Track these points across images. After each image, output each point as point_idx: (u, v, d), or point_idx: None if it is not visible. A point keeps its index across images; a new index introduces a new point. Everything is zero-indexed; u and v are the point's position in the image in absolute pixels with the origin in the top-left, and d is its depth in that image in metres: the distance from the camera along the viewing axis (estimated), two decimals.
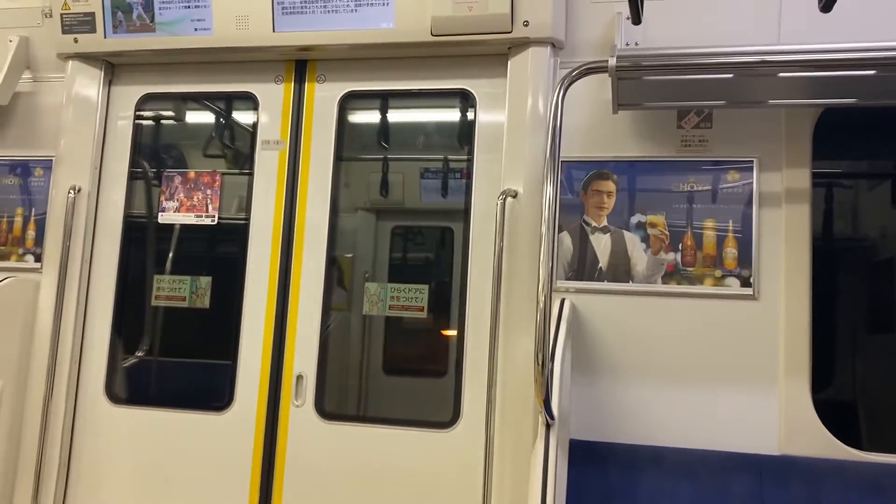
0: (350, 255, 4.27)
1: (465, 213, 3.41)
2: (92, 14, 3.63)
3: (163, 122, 4.03)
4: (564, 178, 3.25)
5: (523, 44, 3.25)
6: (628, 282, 3.15)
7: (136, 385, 3.80)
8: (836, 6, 2.36)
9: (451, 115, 3.96)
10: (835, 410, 3.60)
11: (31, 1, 3.87)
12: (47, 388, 3.50)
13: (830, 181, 3.94)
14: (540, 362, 2.47)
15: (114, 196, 3.75)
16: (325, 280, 3.48)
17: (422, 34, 3.29)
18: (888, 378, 4.19)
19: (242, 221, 3.62)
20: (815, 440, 2.91)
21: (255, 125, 3.67)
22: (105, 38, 3.65)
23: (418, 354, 4.81)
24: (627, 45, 3.13)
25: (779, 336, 2.99)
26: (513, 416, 3.06)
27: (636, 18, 2.35)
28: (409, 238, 5.19)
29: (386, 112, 4.06)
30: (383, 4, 3.32)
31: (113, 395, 3.62)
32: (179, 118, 4.06)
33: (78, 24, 3.66)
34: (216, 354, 3.68)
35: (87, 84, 3.76)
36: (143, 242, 3.89)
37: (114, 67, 3.83)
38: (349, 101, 3.64)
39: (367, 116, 4.10)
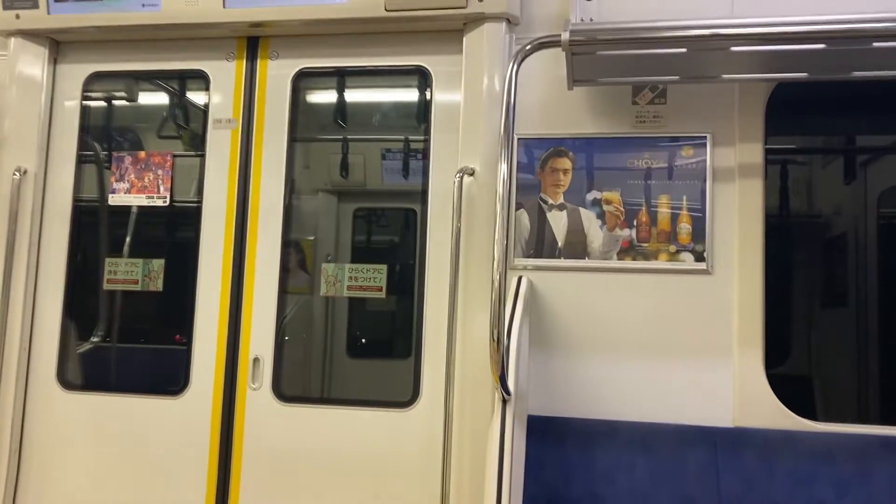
0: (311, 238, 4.23)
1: (423, 194, 3.39)
2: None
3: (112, 101, 3.93)
4: (524, 156, 3.25)
5: (478, 19, 3.22)
6: (585, 258, 3.16)
7: (89, 370, 3.72)
8: None
9: (409, 94, 3.92)
10: (789, 383, 3.67)
11: None
12: None
13: (784, 157, 3.99)
14: (495, 339, 2.47)
15: (62, 178, 3.65)
16: (281, 262, 3.43)
17: (375, 9, 3.24)
18: (840, 350, 4.28)
19: (196, 203, 3.55)
20: (769, 412, 2.95)
21: (206, 104, 3.59)
22: (48, 13, 3.53)
23: (380, 336, 4.80)
24: (582, 20, 3.11)
25: (732, 310, 3.02)
26: (471, 393, 3.06)
27: None
28: (371, 220, 5.17)
29: (342, 91, 4.01)
30: None
31: (65, 381, 3.55)
32: (129, 97, 3.96)
33: None
34: (171, 338, 3.62)
35: (31, 62, 3.64)
36: (94, 225, 3.81)
37: (59, 45, 3.71)
38: (304, 80, 3.58)
39: (323, 96, 4.04)
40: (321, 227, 4.71)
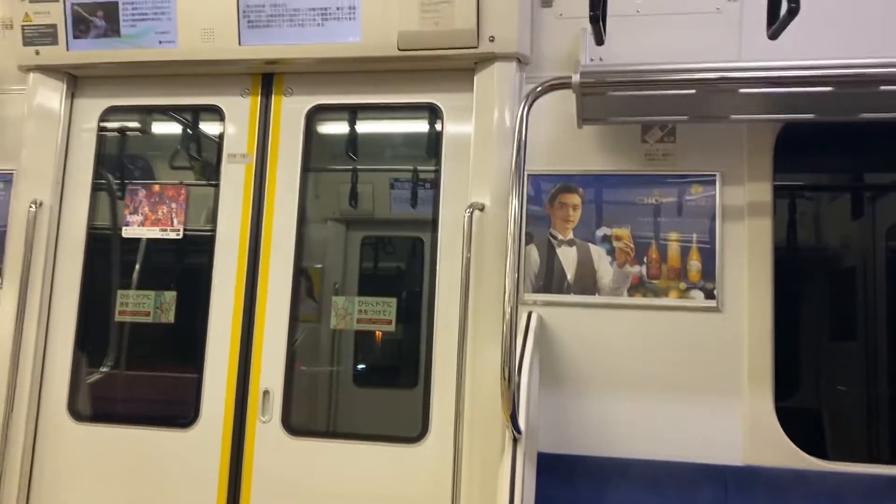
0: (319, 266, 4.26)
1: (433, 223, 3.41)
2: (54, 26, 3.59)
3: (127, 134, 3.98)
4: (533, 191, 3.28)
5: (489, 59, 3.27)
6: (595, 294, 3.17)
7: (99, 402, 3.73)
8: (797, 19, 2.39)
9: (419, 126, 3.97)
10: (798, 419, 3.65)
11: None
12: (7, 406, 3.43)
13: (793, 193, 4.01)
14: (506, 376, 2.48)
15: (77, 210, 3.69)
16: (292, 294, 3.46)
17: (389, 48, 3.30)
18: (850, 385, 4.26)
19: (209, 233, 3.59)
20: (779, 450, 2.95)
21: (221, 138, 3.64)
22: (67, 50, 3.60)
23: (389, 365, 4.80)
24: (592, 60, 3.16)
25: (742, 348, 3.03)
26: (481, 429, 3.06)
27: (598, 39, 2.38)
28: (379, 248, 5.19)
29: (354, 124, 4.06)
30: (350, 19, 3.32)
31: (76, 413, 3.56)
32: (144, 130, 4.02)
33: (39, 35, 3.61)
34: (182, 370, 3.64)
35: (49, 96, 3.71)
36: (107, 256, 3.84)
37: (76, 79, 3.77)
38: (317, 114, 3.63)
39: (335, 127, 4.09)
40: (329, 255, 4.74)
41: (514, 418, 2.53)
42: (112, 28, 3.55)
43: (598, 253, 3.19)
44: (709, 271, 3.09)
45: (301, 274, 3.60)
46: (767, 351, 3.01)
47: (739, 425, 3.01)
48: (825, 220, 4.23)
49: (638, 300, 3.12)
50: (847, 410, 4.28)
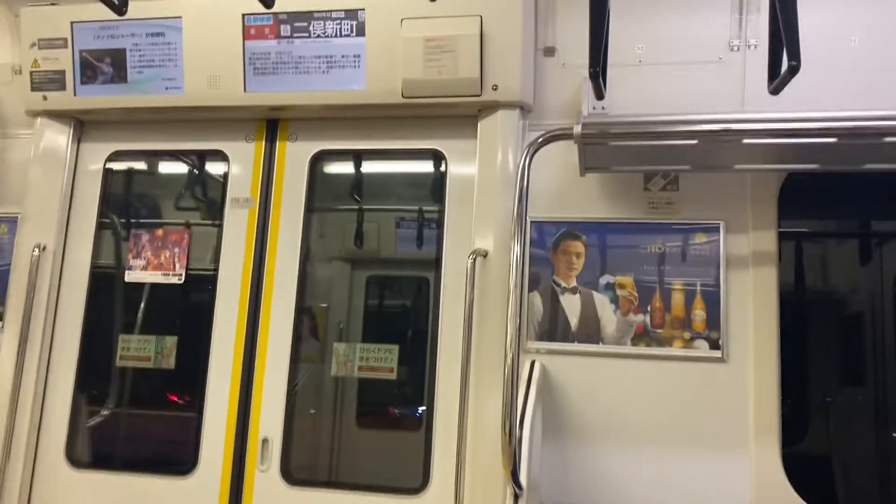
0: (324, 305, 4.24)
1: (436, 262, 3.41)
2: (62, 72, 3.63)
3: (132, 177, 4.00)
4: (536, 235, 3.27)
5: (492, 107, 3.29)
6: (598, 343, 3.14)
7: (97, 448, 3.69)
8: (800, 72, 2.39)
9: (423, 167, 3.97)
10: (806, 469, 3.59)
11: (1, 57, 3.86)
12: (4, 451, 3.40)
13: (798, 239, 3.99)
14: (507, 431, 2.44)
15: (80, 253, 3.70)
16: (293, 340, 3.44)
17: (393, 96, 3.32)
18: (859, 434, 4.19)
19: (211, 273, 3.57)
20: (785, 502, 2.89)
21: (224, 182, 3.65)
22: (75, 95, 3.64)
23: (390, 410, 4.74)
24: (594, 108, 3.17)
25: (748, 399, 2.99)
26: (482, 481, 3.00)
27: (599, 94, 2.38)
28: (384, 287, 5.17)
29: (358, 166, 4.07)
30: (354, 66, 3.35)
31: (74, 459, 3.52)
32: (149, 173, 4.04)
33: (48, 81, 3.65)
34: (181, 416, 3.61)
35: (56, 140, 3.74)
36: (109, 299, 3.83)
37: (83, 124, 3.81)
38: (321, 158, 3.64)
39: (339, 168, 4.10)
40: (334, 294, 4.72)
41: (515, 475, 2.49)
42: (119, 74, 3.59)
43: (601, 301, 3.17)
44: (713, 320, 3.06)
45: (305, 313, 3.59)
46: (774, 402, 2.97)
47: (746, 478, 2.95)
48: (832, 265, 4.20)
49: (642, 350, 3.09)
50: (856, 459, 4.20)
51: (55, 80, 3.64)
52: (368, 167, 4.14)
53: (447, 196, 3.45)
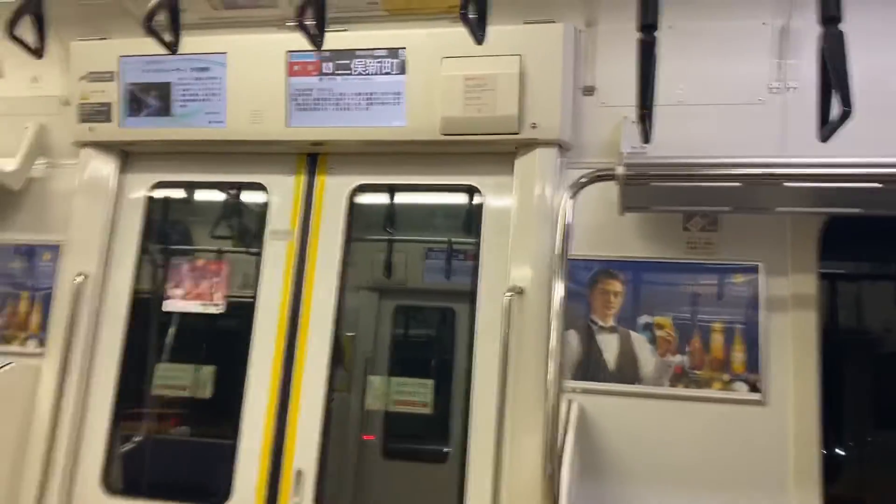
0: (352, 335, 4.25)
1: (472, 300, 3.40)
2: (109, 104, 3.72)
3: (174, 208, 4.07)
4: (571, 272, 3.26)
5: (530, 144, 3.31)
6: (636, 383, 3.12)
7: (133, 476, 3.73)
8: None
9: (458, 199, 3.99)
10: None
11: (51, 89, 3.97)
12: (42, 478, 3.44)
13: (838, 281, 3.96)
14: (549, 475, 2.43)
15: (121, 282, 3.75)
16: (329, 371, 3.45)
17: (431, 133, 3.36)
18: None
19: (249, 300, 3.60)
20: None
21: (264, 214, 3.70)
22: (120, 127, 3.72)
23: (420, 438, 4.73)
24: (633, 148, 3.17)
25: (788, 443, 2.95)
26: None
27: (645, 137, 2.39)
28: (411, 317, 5.19)
29: (393, 199, 4.12)
30: (395, 103, 3.40)
31: (109, 486, 3.55)
32: (191, 204, 4.10)
33: (95, 113, 3.74)
34: (216, 445, 3.63)
35: (100, 171, 3.82)
36: (148, 328, 3.88)
37: (127, 155, 3.89)
38: (359, 191, 3.69)
39: (374, 199, 4.14)
40: (361, 323, 4.75)
41: None
42: (164, 107, 3.67)
43: (639, 341, 3.15)
44: (753, 362, 3.03)
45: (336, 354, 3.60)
46: (814, 447, 2.92)
47: None
48: (870, 304, 4.16)
49: (680, 391, 3.07)
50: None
51: (102, 112, 3.73)
52: (403, 198, 4.18)
53: (483, 230, 3.46)
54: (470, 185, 3.56)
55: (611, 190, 3.05)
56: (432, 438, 4.42)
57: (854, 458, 4.23)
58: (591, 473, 3.05)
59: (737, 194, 2.89)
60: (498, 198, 3.45)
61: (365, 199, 3.98)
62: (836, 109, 2.06)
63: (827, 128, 2.08)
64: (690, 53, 3.24)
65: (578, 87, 3.36)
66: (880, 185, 2.58)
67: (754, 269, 3.10)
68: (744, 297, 3.09)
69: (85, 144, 3.82)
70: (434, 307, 5.10)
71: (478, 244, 3.47)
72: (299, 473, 3.35)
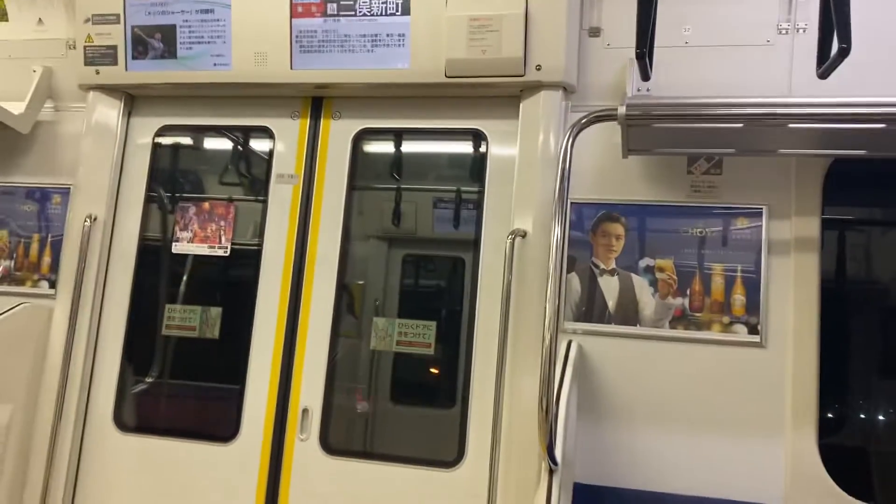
0: (361, 283, 4.29)
1: (475, 244, 3.44)
2: (114, 47, 3.71)
3: (180, 151, 4.09)
4: (576, 217, 3.27)
5: (535, 87, 3.29)
6: (636, 325, 3.15)
7: (143, 413, 3.82)
8: (848, 58, 2.36)
9: (464, 147, 3.99)
10: (843, 459, 3.56)
11: (56, 32, 3.97)
12: (56, 415, 3.54)
13: (842, 226, 3.93)
14: (544, 408, 2.47)
15: (129, 224, 3.80)
16: (335, 313, 3.51)
17: (436, 75, 3.34)
18: None
19: (255, 247, 3.66)
20: (821, 492, 2.88)
21: (270, 157, 3.72)
22: (126, 70, 3.73)
23: (427, 384, 4.81)
24: (639, 90, 3.16)
25: (786, 385, 2.98)
26: (518, 457, 3.05)
27: (644, 75, 2.38)
28: (420, 266, 5.21)
29: (400, 145, 4.11)
30: (399, 45, 3.38)
31: (121, 423, 3.65)
32: (196, 148, 4.12)
33: (100, 56, 3.74)
34: (224, 384, 3.71)
35: (107, 114, 3.83)
36: (156, 270, 3.94)
37: (133, 98, 3.90)
38: (363, 136, 3.69)
39: (380, 147, 4.14)
40: (371, 272, 4.78)
41: (550, 450, 2.52)
42: (169, 50, 3.66)
43: (640, 283, 3.17)
44: (753, 305, 3.05)
45: (343, 290, 3.65)
46: (812, 389, 2.95)
47: (781, 464, 2.95)
48: (875, 254, 4.13)
49: (680, 333, 3.09)
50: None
51: (107, 55, 3.73)
52: (410, 146, 4.17)
53: (487, 176, 3.47)
54: (475, 130, 3.54)
55: (615, 133, 3.04)
56: (440, 383, 4.49)
57: (857, 409, 4.26)
58: (591, 413, 3.11)
59: (740, 136, 2.87)
60: (503, 142, 3.45)
61: (372, 147, 3.99)
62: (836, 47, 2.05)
63: (827, 64, 2.06)
64: None
65: (584, 28, 3.33)
66: (883, 125, 2.55)
67: (758, 213, 3.10)
68: (746, 241, 3.10)
69: (91, 88, 3.83)
70: (443, 256, 5.12)
71: (482, 190, 3.47)
72: (305, 411, 3.43)
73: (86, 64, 3.76)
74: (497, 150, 3.47)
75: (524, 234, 3.22)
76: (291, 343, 3.51)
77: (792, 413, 2.96)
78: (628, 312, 3.16)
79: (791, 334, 3.00)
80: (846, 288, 4.01)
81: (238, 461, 3.45)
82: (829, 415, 3.08)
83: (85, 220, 3.66)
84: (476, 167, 3.66)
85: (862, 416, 4.14)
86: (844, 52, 1.94)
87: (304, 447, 3.39)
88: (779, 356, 3.00)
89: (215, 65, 3.61)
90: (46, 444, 3.52)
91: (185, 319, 3.75)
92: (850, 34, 1.93)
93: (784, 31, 3.12)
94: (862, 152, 2.85)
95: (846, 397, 3.91)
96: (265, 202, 3.68)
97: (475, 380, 3.30)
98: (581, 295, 3.22)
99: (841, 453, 3.71)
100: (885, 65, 2.98)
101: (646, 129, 2.89)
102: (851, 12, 2.01)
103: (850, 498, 2.86)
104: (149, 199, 3.84)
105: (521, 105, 3.35)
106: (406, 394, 4.52)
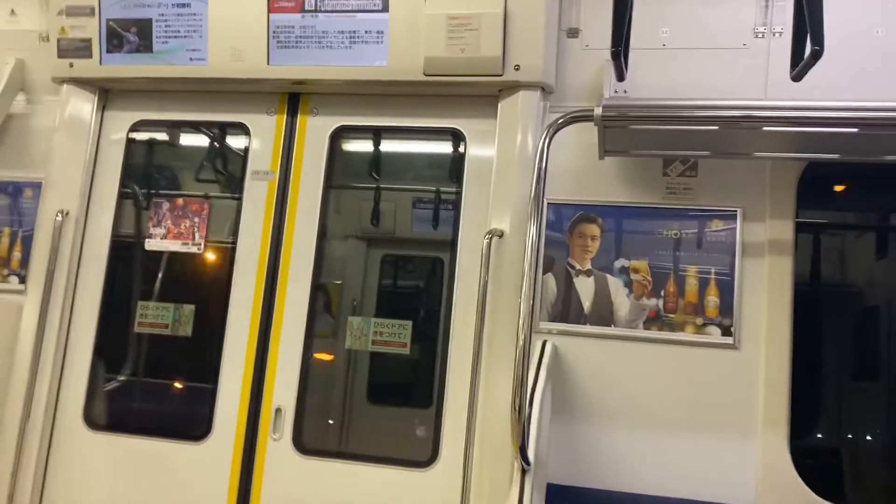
0: (339, 282, 4.27)
1: (452, 244, 3.43)
2: (88, 40, 3.67)
3: (154, 146, 4.05)
4: (553, 217, 3.28)
5: (513, 87, 3.29)
6: (611, 326, 3.16)
7: (114, 412, 3.77)
8: (823, 57, 2.37)
9: (442, 147, 3.99)
10: (814, 461, 3.59)
11: (29, 24, 3.91)
12: (24, 412, 3.48)
13: (815, 230, 3.97)
14: (517, 407, 2.47)
15: (102, 220, 3.75)
16: (309, 312, 3.48)
17: (414, 73, 3.33)
18: (870, 428, 4.18)
19: (230, 245, 3.62)
20: (793, 493, 2.90)
21: (245, 153, 3.69)
22: (100, 63, 3.68)
23: (402, 384, 4.80)
24: (616, 92, 3.16)
25: (758, 387, 3.00)
26: (491, 457, 3.04)
27: (620, 75, 2.38)
28: (398, 266, 5.20)
29: (378, 144, 4.09)
30: (377, 42, 3.36)
31: (91, 422, 3.60)
32: (171, 143, 4.08)
33: (74, 49, 3.69)
34: (196, 382, 3.67)
35: (81, 108, 3.78)
36: (129, 266, 3.89)
37: (108, 93, 3.85)
38: (341, 134, 3.67)
39: (358, 146, 4.12)
40: (349, 272, 4.76)
41: (523, 450, 2.52)
42: (144, 44, 3.62)
43: (615, 284, 3.18)
44: (726, 307, 3.07)
45: (320, 290, 3.62)
46: (784, 391, 2.97)
47: (753, 465, 2.97)
48: (848, 257, 4.18)
49: (654, 334, 3.10)
50: (866, 453, 4.19)
51: (81, 49, 3.68)
52: (388, 145, 4.16)
53: (465, 176, 3.46)
54: (454, 129, 3.54)
55: (592, 135, 3.04)
56: (417, 383, 4.48)
57: (829, 409, 4.30)
58: (564, 413, 3.11)
59: (716, 138, 2.89)
60: (481, 142, 3.44)
61: (350, 145, 3.97)
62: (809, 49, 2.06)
63: (800, 67, 2.08)
64: None
65: (563, 29, 3.34)
66: (856, 130, 2.58)
67: (732, 215, 3.12)
68: (720, 243, 3.12)
69: (64, 81, 3.77)
70: (422, 256, 5.11)
71: (460, 190, 3.47)
72: (278, 411, 3.40)
73: (59, 56, 3.71)
74: (475, 150, 3.47)
75: (501, 234, 3.21)
76: (265, 342, 3.48)
77: (764, 414, 2.98)
78: (603, 313, 3.17)
79: (764, 336, 3.02)
80: (819, 290, 4.05)
81: (210, 460, 3.42)
82: (801, 416, 3.09)
83: (56, 215, 3.60)
84: (454, 167, 3.65)
85: (833, 417, 4.17)
86: (817, 55, 1.96)
87: (277, 447, 3.36)
88: (752, 358, 3.02)
89: (191, 59, 3.58)
90: (14, 442, 3.46)
91: (157, 317, 3.70)
92: (823, 36, 1.95)
93: (760, 35, 3.14)
94: (836, 156, 2.88)
95: (818, 399, 3.94)
96: (240, 199, 3.65)
97: (450, 380, 3.29)
98: (557, 295, 3.22)
99: (812, 455, 3.75)
100: (858, 67, 3.01)
101: (622, 131, 2.90)
102: (824, 15, 2.02)
103: (821, 499, 2.88)
104: (122, 195, 3.79)
105: (499, 105, 3.34)
106: (381, 393, 4.51)
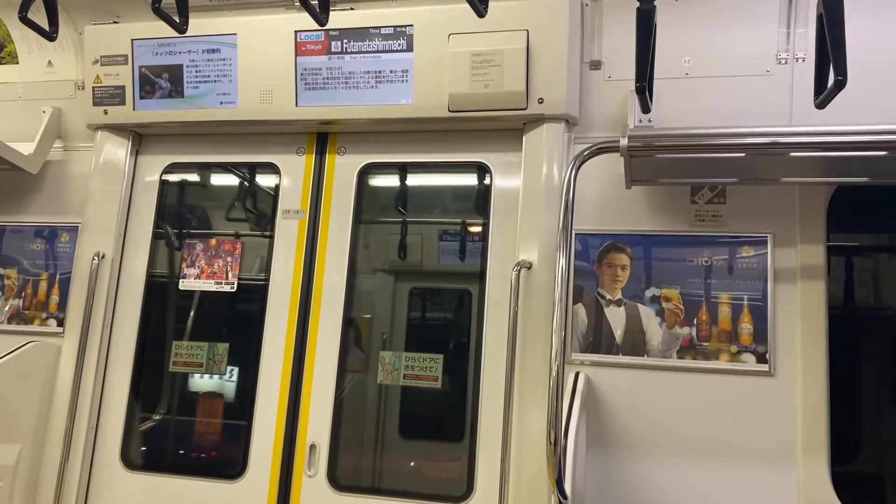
0: (368, 316, 4.30)
1: (481, 276, 3.44)
2: (122, 87, 3.77)
3: (187, 188, 4.14)
4: (580, 248, 3.28)
5: (538, 120, 3.32)
6: (643, 356, 3.14)
7: (151, 451, 3.81)
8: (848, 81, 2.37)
9: (468, 180, 4.02)
10: (856, 487, 3.52)
11: (65, 74, 4.03)
12: (63, 453, 3.53)
13: (848, 253, 3.93)
14: (552, 441, 2.46)
15: (137, 261, 3.83)
16: (341, 348, 3.51)
17: (439, 110, 3.38)
18: None
19: (262, 283, 3.67)
20: None
21: (276, 192, 3.75)
22: (134, 109, 3.78)
23: (434, 419, 4.78)
24: (640, 121, 3.18)
25: (796, 414, 2.96)
26: (527, 491, 3.02)
27: (645, 108, 2.40)
28: (426, 299, 5.21)
29: (404, 179, 4.14)
30: (402, 81, 3.42)
31: (128, 461, 3.64)
32: (203, 185, 4.16)
33: (108, 96, 3.80)
34: (232, 421, 3.70)
35: (115, 153, 3.88)
36: (164, 306, 3.96)
37: (141, 137, 3.95)
38: (368, 171, 3.72)
39: (386, 181, 4.18)
40: (377, 305, 4.79)
41: (559, 483, 2.50)
42: (176, 89, 3.72)
43: (647, 314, 3.17)
44: (761, 334, 3.04)
45: (349, 324, 3.65)
46: (822, 418, 2.93)
47: (794, 493, 2.92)
48: (881, 280, 4.13)
49: (688, 363, 3.08)
50: None
51: (116, 95, 3.79)
52: (413, 180, 4.21)
53: (492, 208, 3.49)
54: (480, 163, 3.57)
55: (618, 164, 3.06)
56: (449, 417, 4.47)
57: (869, 437, 4.21)
58: (599, 445, 3.08)
59: (743, 165, 2.89)
60: (507, 174, 3.48)
61: (377, 181, 4.02)
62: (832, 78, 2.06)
63: (823, 95, 2.08)
64: (697, 24, 3.24)
65: (585, 61, 3.37)
66: (884, 153, 2.57)
67: (763, 241, 3.10)
68: (752, 269, 3.10)
69: (99, 127, 3.88)
70: (449, 288, 5.12)
71: (487, 222, 3.49)
72: (313, 447, 3.41)
73: (94, 104, 3.82)
74: (501, 182, 3.50)
75: (530, 266, 3.22)
76: (298, 378, 3.50)
77: (803, 441, 2.93)
78: (635, 343, 3.15)
79: (800, 362, 2.99)
80: (854, 314, 3.99)
81: (246, 498, 3.43)
82: (841, 443, 3.04)
83: (93, 258, 3.69)
84: (480, 199, 3.68)
85: (874, 442, 4.09)
86: (841, 84, 1.96)
87: (312, 483, 3.37)
88: (788, 384, 2.98)
89: (222, 103, 3.66)
90: (54, 483, 3.50)
91: (191, 356, 3.75)
92: (846, 66, 1.95)
93: (783, 62, 3.15)
94: (864, 179, 2.86)
95: (858, 424, 3.87)
96: (271, 237, 3.70)
97: (483, 411, 3.29)
98: (588, 326, 3.22)
99: (854, 482, 3.67)
100: (886, 89, 3.00)
101: (648, 160, 2.91)
102: (847, 40, 2.03)
103: None
104: (156, 236, 3.87)
105: (524, 137, 3.38)
106: (413, 428, 4.50)
